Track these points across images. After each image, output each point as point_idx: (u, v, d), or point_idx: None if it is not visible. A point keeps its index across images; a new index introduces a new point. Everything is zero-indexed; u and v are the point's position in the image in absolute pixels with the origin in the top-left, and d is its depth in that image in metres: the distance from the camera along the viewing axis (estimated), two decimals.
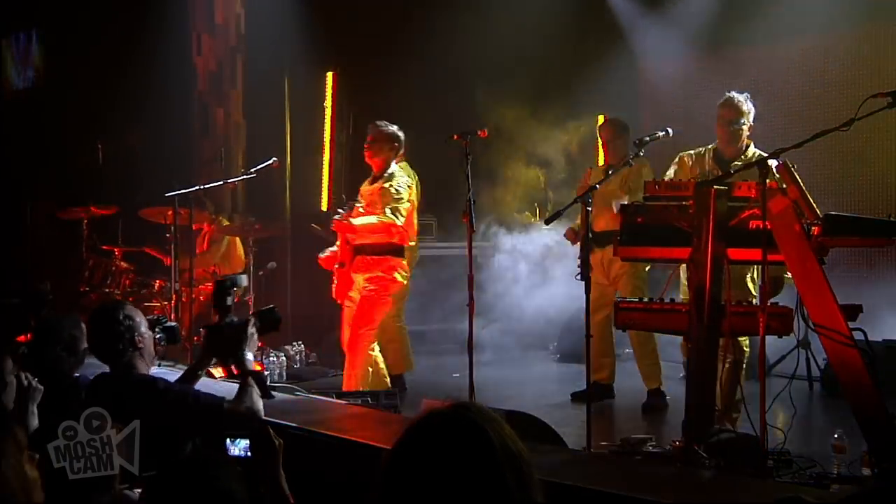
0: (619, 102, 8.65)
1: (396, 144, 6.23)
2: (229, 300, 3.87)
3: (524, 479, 1.62)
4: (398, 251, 6.13)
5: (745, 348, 5.22)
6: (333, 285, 6.27)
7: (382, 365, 6.21)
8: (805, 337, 6.01)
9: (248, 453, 2.87)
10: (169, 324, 4.02)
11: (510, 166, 8.91)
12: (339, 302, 6.30)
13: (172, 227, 7.28)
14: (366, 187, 6.28)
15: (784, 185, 4.22)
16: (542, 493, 1.65)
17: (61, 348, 3.77)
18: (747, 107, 5.30)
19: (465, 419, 1.64)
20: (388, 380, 6.23)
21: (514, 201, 9.25)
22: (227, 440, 2.96)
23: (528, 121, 8.81)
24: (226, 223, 8.60)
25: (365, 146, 6.31)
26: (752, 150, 5.31)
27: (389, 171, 6.17)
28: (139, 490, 2.72)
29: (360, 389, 5.91)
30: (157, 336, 3.88)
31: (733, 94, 5.34)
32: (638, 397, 6.24)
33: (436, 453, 1.61)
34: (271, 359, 7.21)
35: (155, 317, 4.07)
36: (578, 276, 4.72)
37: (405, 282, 6.25)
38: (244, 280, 4.24)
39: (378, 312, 6.12)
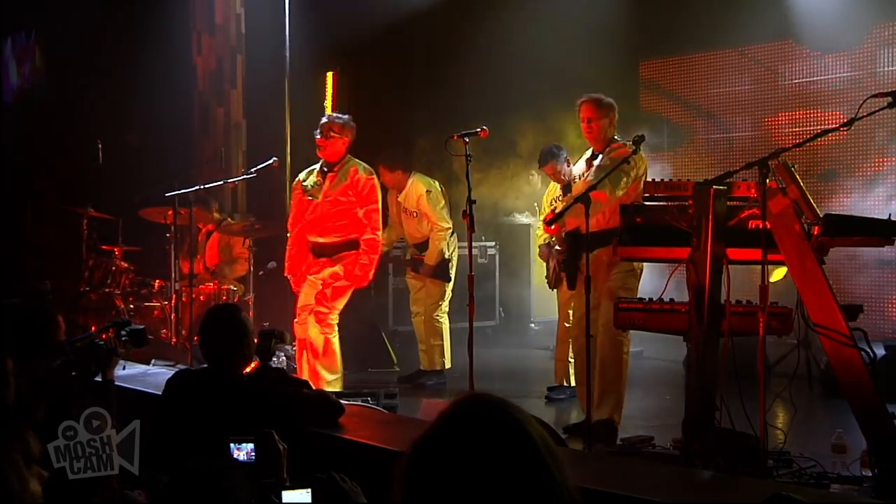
0: (620, 102, 8.64)
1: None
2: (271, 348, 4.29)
3: (563, 470, 1.51)
4: None
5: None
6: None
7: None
8: (805, 337, 6.01)
9: (253, 457, 2.86)
10: (135, 327, 4.01)
11: (510, 166, 8.93)
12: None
13: (172, 227, 7.29)
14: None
15: (784, 185, 4.22)
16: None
17: (35, 339, 3.74)
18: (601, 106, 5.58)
19: (499, 411, 1.52)
20: None
21: (515, 202, 9.28)
22: (232, 444, 2.96)
23: (528, 120, 8.83)
24: (234, 224, 8.58)
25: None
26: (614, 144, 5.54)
27: None
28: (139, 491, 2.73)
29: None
30: (123, 339, 3.87)
31: (588, 95, 5.63)
32: (637, 398, 6.24)
33: (475, 450, 1.48)
34: (271, 360, 7.19)
35: (120, 320, 4.07)
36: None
37: None
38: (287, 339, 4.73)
39: None
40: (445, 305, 7.23)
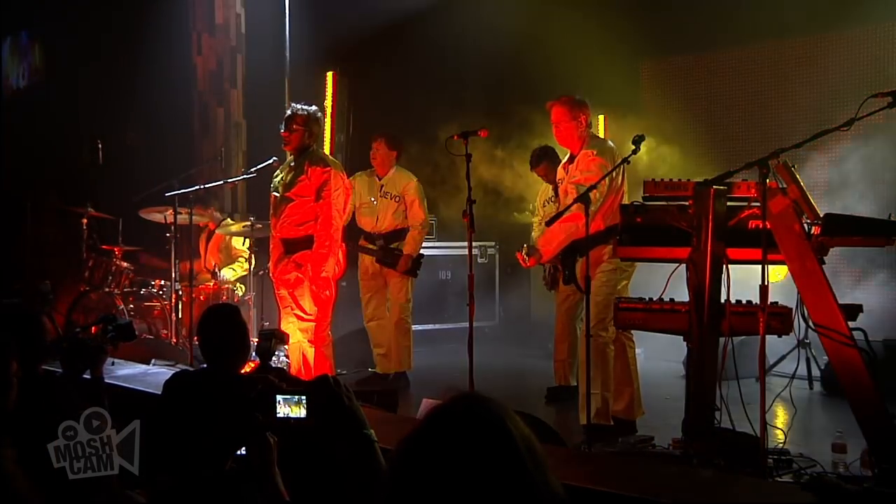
0: (620, 102, 8.64)
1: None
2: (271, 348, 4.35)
3: (543, 468, 1.54)
4: None
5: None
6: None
7: None
8: (805, 337, 6.02)
9: (243, 451, 2.85)
10: (121, 322, 3.98)
11: (511, 166, 8.92)
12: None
13: (172, 227, 7.29)
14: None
15: (784, 185, 4.22)
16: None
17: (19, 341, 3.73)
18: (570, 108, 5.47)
19: (479, 410, 1.55)
20: None
21: (516, 201, 9.26)
22: None
23: (529, 120, 8.82)
24: (233, 225, 8.58)
25: None
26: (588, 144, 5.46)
27: None
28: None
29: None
30: (110, 335, 3.85)
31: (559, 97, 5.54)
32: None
33: (454, 447, 1.50)
34: (271, 360, 7.18)
35: (106, 316, 4.05)
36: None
37: None
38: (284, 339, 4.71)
39: None
40: (412, 304, 7.10)
